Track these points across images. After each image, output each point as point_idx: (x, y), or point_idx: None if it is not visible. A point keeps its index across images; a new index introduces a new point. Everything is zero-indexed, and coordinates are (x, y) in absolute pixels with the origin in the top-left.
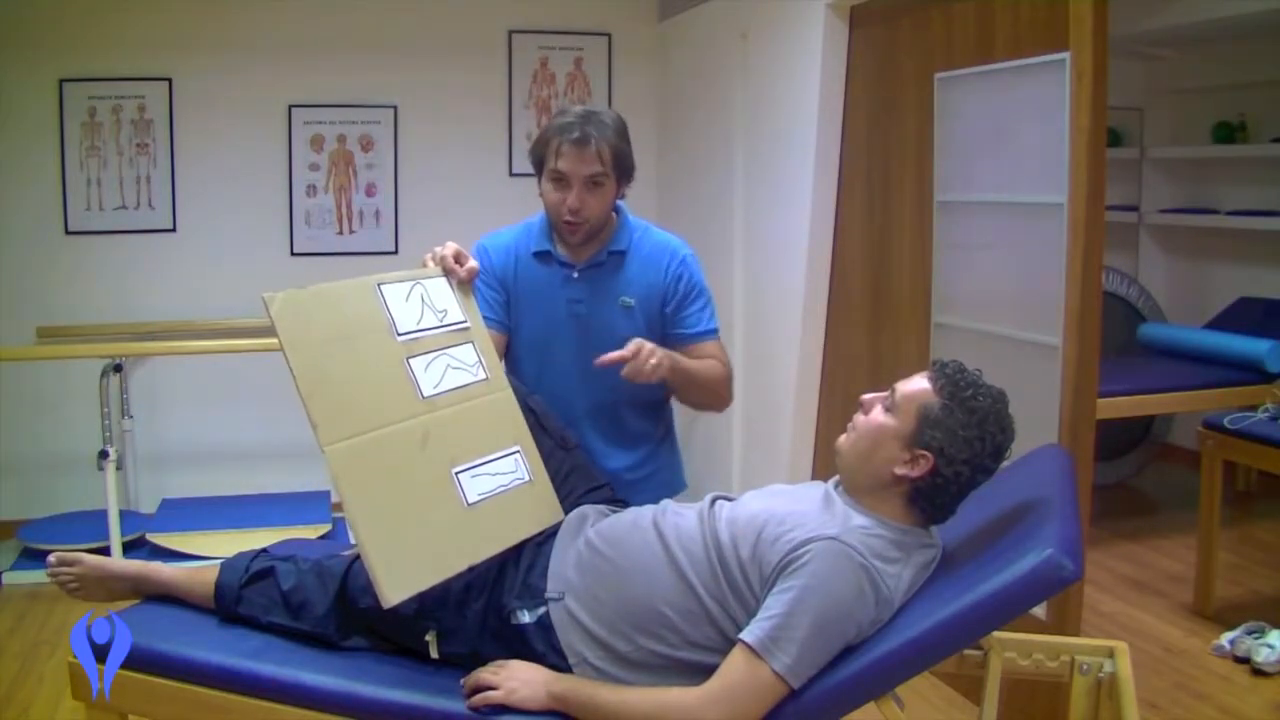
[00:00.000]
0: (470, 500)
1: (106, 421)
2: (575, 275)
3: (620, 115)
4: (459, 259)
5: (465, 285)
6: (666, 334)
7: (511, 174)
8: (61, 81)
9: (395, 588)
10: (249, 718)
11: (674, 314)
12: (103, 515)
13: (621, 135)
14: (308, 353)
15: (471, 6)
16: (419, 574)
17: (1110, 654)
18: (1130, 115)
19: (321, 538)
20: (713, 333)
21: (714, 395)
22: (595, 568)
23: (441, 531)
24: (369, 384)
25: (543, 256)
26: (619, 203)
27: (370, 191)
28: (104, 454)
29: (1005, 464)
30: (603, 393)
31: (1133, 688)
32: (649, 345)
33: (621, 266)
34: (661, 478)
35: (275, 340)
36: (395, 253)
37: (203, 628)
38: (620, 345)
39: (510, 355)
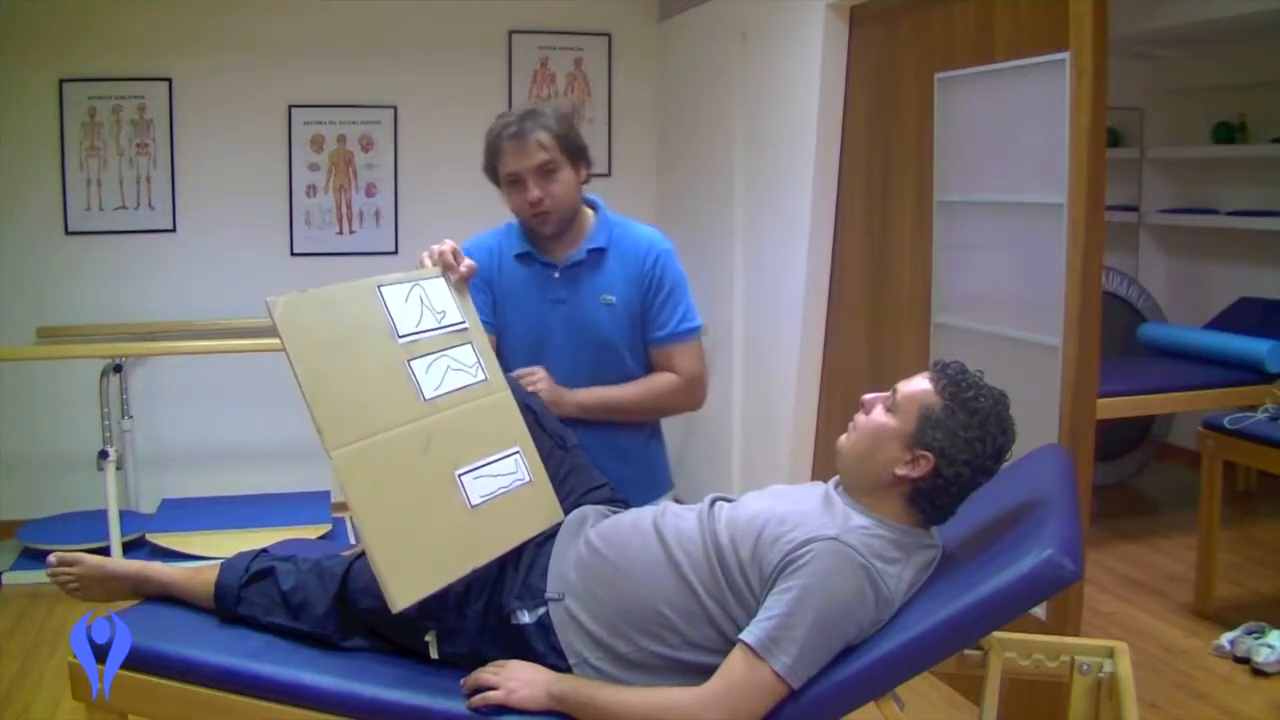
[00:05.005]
0: (473, 502)
1: (106, 421)
2: (557, 275)
3: (564, 110)
4: (457, 256)
5: (462, 284)
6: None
7: None
8: (61, 81)
9: (404, 592)
10: (249, 718)
11: (647, 314)
12: (103, 515)
13: (562, 121)
14: (312, 357)
15: (471, 6)
16: (426, 578)
17: (1110, 654)
18: (1130, 115)
19: (321, 538)
20: (686, 333)
21: (658, 412)
22: (595, 568)
23: (446, 534)
24: (372, 387)
25: (524, 258)
26: (595, 199)
27: (370, 191)
28: (104, 454)
29: (1005, 464)
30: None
31: (1133, 688)
32: (537, 378)
33: (602, 264)
34: (647, 479)
35: (275, 340)
36: (395, 253)
37: (203, 628)
38: (605, 343)
39: (500, 356)
